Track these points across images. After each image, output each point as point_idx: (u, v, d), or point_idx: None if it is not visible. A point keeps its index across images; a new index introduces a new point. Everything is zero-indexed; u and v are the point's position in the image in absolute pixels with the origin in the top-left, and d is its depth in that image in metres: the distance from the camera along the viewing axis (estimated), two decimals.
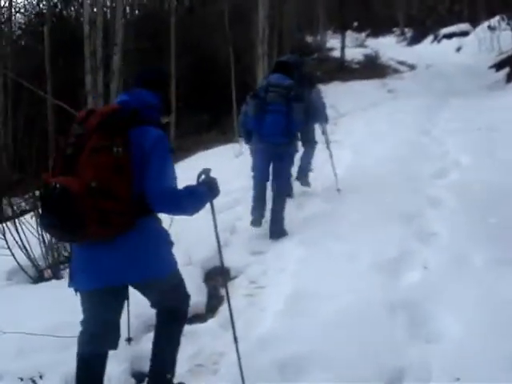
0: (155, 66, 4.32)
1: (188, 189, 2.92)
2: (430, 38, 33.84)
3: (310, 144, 7.64)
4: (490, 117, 10.64)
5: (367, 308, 3.96)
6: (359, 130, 11.80)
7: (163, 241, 2.98)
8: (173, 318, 3.17)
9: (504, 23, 21.29)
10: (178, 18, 18.03)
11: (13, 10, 18.96)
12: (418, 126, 11.08)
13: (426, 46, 33.13)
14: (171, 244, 3.03)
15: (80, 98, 13.63)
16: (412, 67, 25.38)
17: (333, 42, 34.51)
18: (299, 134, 6.99)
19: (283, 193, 6.15)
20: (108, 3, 18.39)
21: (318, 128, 7.95)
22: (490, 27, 22.93)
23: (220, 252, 3.44)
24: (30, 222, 5.54)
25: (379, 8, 42.74)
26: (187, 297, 3.23)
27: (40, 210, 2.81)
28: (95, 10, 14.16)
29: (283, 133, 5.79)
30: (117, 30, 14.32)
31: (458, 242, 4.93)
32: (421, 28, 35.93)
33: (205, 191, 3.01)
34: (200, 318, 4.40)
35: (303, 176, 7.69)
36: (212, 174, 3.11)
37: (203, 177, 3.09)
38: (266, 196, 6.29)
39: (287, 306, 4.07)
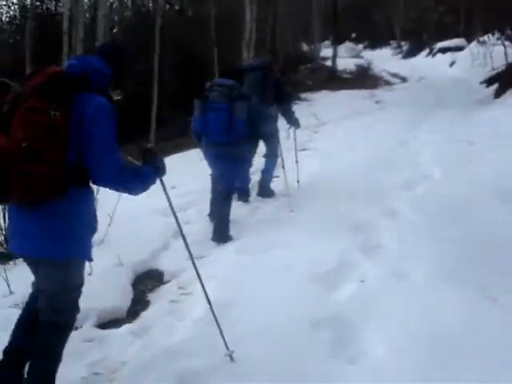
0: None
1: (135, 167, 2.87)
2: (426, 51, 33.84)
3: (271, 156, 7.40)
4: (473, 130, 10.42)
5: (291, 322, 3.68)
6: (336, 139, 11.58)
7: (85, 222, 2.82)
8: (55, 330, 2.86)
9: (494, 38, 21.17)
10: (167, 19, 17.86)
11: None
12: (397, 137, 10.82)
13: (421, 59, 33.07)
14: (93, 229, 2.90)
15: None
16: (404, 79, 25.32)
17: (328, 51, 34.39)
18: (264, 143, 7.23)
19: (226, 196, 5.98)
20: None
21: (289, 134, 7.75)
22: (479, 41, 22.84)
23: (182, 234, 3.57)
24: None
25: (378, 20, 42.57)
26: (75, 308, 2.95)
27: None
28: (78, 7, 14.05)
29: (225, 131, 5.64)
30: (99, 25, 14.10)
31: (402, 255, 4.64)
32: (417, 41, 35.92)
33: (151, 170, 2.92)
34: (117, 323, 4.10)
35: (265, 190, 7.41)
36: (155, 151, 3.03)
37: (147, 156, 2.98)
38: None
39: (206, 315, 3.76)
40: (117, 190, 2.85)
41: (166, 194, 3.22)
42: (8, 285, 4.40)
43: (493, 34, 21.23)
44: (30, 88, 2.60)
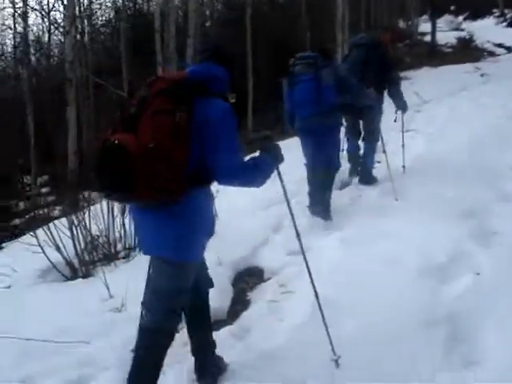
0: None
1: (254, 160, 2.89)
2: None
3: (369, 140, 7.10)
4: None
5: (401, 321, 3.40)
6: (441, 117, 10.98)
7: (203, 224, 2.86)
8: (153, 338, 2.85)
9: None
10: (257, 9, 17.76)
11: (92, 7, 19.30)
12: (507, 111, 10.08)
13: None
14: (210, 233, 2.94)
15: None
16: (510, 49, 23.79)
17: (426, 26, 33.07)
18: (362, 124, 7.04)
19: (328, 172, 5.88)
20: None
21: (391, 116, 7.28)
22: None
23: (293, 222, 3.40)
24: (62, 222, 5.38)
25: None
26: (179, 313, 2.93)
27: (95, 166, 2.71)
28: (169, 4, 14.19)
29: (315, 100, 5.49)
30: (190, 21, 14.17)
31: None
32: None
33: (269, 160, 2.96)
34: (217, 324, 3.94)
35: (366, 177, 7.11)
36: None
37: (265, 143, 3.02)
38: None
39: (309, 316, 3.56)
40: (240, 186, 2.93)
41: (282, 182, 3.23)
42: (108, 289, 4.39)
43: None
44: (154, 92, 2.68)
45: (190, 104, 2.67)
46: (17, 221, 11.57)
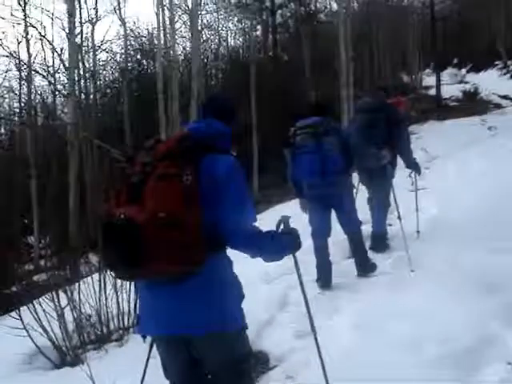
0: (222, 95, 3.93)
1: (270, 232, 2.69)
2: None
3: (380, 205, 6.81)
4: None
5: None
6: (451, 174, 10.65)
7: (234, 289, 2.68)
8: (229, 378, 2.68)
9: None
10: (261, 66, 17.75)
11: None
12: None
13: None
14: (242, 297, 2.71)
15: None
16: None
17: (430, 79, 33.26)
18: (372, 189, 6.87)
19: (357, 234, 5.83)
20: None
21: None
22: None
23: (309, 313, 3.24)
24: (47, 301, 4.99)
25: (478, 42, 40.75)
26: (249, 354, 2.78)
27: (102, 243, 2.58)
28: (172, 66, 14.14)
29: (322, 173, 5.35)
30: (192, 83, 14.09)
31: None
32: None
33: (287, 240, 2.78)
34: None
35: (379, 242, 6.74)
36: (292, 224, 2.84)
37: (282, 226, 2.83)
38: (330, 256, 5.78)
39: None
40: (252, 252, 2.67)
41: (298, 271, 3.14)
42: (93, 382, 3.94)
43: None
44: (158, 155, 2.51)
45: (195, 164, 2.49)
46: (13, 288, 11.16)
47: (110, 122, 18.18)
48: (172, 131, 13.09)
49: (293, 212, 5.49)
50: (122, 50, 18.13)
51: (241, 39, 24.03)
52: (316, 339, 3.13)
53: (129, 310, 5.25)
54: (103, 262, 2.91)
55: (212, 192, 2.49)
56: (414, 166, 6.89)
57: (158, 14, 14.21)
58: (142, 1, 40.30)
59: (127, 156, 2.66)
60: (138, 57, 19.17)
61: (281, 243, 2.72)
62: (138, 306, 2.79)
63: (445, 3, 34.11)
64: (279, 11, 23.02)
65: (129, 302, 5.19)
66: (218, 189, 2.50)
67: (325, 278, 5.65)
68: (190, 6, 15.56)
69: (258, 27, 24.25)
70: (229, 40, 26.53)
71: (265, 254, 2.68)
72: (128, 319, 5.25)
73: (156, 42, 14.91)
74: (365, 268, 5.80)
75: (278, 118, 16.85)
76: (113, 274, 3.03)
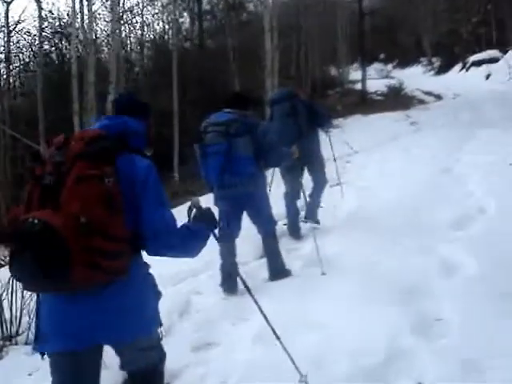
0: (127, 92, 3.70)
1: (187, 227, 2.60)
2: (459, 66, 32.79)
3: (318, 175, 6.97)
4: None
5: None
6: (372, 169, 10.55)
7: (153, 291, 2.61)
8: (148, 381, 2.75)
9: None
10: (185, 55, 17.20)
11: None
12: (438, 163, 9.75)
13: (454, 74, 32.02)
14: (159, 295, 2.66)
15: None
16: (438, 97, 24.33)
17: (357, 74, 33.63)
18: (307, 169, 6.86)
19: (272, 235, 5.50)
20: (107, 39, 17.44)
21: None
22: None
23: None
24: None
25: (405, 38, 41.54)
26: (164, 354, 2.83)
27: (11, 253, 2.26)
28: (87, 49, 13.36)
29: (231, 173, 5.01)
30: (111, 67, 13.39)
31: (471, 338, 3.43)
32: (448, 56, 34.77)
33: (203, 228, 2.70)
34: None
35: (312, 213, 6.93)
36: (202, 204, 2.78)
37: (194, 210, 2.76)
38: (236, 257, 5.36)
39: None
40: (173, 254, 2.61)
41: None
42: None
43: None
44: (71, 155, 2.33)
45: (113, 165, 2.36)
46: None
47: (24, 108, 17.22)
48: (87, 120, 12.35)
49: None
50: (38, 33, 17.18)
51: (166, 26, 23.27)
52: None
53: (10, 319, 4.71)
54: (12, 273, 2.32)
55: (130, 195, 2.38)
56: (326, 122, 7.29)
57: None
58: None
59: (35, 155, 2.45)
60: (56, 40, 18.17)
61: (200, 235, 2.65)
62: (38, 319, 2.50)
63: None
64: None
65: (11, 309, 4.70)
66: (136, 192, 2.40)
67: (229, 283, 5.25)
68: None
69: (185, 14, 23.68)
70: (154, 26, 25.89)
71: (189, 251, 2.62)
72: (10, 328, 4.69)
73: (70, 22, 14.06)
74: (277, 274, 5.42)
75: (201, 107, 16.37)
76: (22, 286, 2.72)
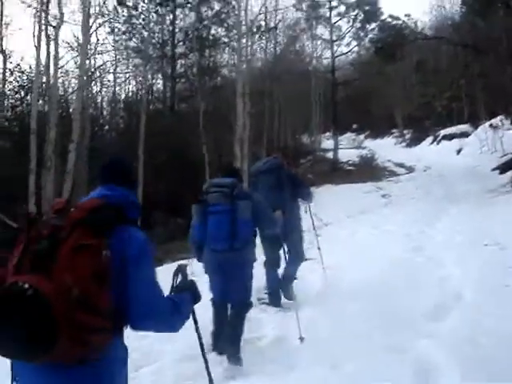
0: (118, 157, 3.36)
1: (173, 299, 2.51)
2: (430, 139, 33.16)
3: (296, 258, 6.93)
4: (497, 228, 9.03)
5: None
6: (341, 245, 9.94)
7: (125, 374, 2.44)
8: None
9: (508, 122, 20.28)
10: (153, 117, 16.80)
11: None
12: (411, 240, 9.35)
13: (426, 147, 32.23)
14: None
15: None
16: (410, 169, 24.30)
17: (329, 143, 33.79)
18: (284, 242, 6.62)
19: (240, 314, 5.27)
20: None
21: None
22: (492, 126, 21.87)
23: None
24: None
25: (378, 109, 42.10)
26: None
27: None
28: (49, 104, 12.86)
29: (231, 236, 5.03)
30: (74, 125, 12.86)
31: None
32: (420, 129, 35.23)
33: (189, 299, 2.64)
34: None
35: (286, 288, 6.76)
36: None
37: (180, 276, 2.73)
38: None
39: None
40: (157, 329, 2.53)
41: (197, 326, 2.94)
42: None
43: (506, 118, 20.26)
44: (71, 221, 2.24)
45: (110, 236, 2.26)
46: None
47: None
48: (45, 179, 11.69)
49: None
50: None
51: (137, 86, 23.02)
52: None
53: None
54: None
55: (119, 270, 2.25)
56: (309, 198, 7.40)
57: (36, 47, 12.94)
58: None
59: (31, 218, 2.31)
60: (21, 94, 17.57)
61: (186, 307, 2.58)
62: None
63: (346, 69, 34.95)
64: (180, 61, 22.37)
65: None
66: (127, 268, 2.29)
67: (221, 346, 5.21)
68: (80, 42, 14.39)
69: (159, 75, 23.47)
70: (127, 85, 25.65)
71: (173, 325, 2.52)
72: None
73: (33, 76, 13.53)
74: (231, 357, 5.08)
75: (166, 172, 15.88)
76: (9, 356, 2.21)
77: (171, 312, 2.45)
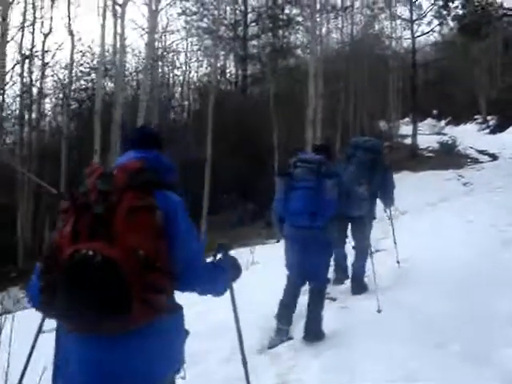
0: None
1: (214, 264, 2.58)
2: None
3: (362, 253, 6.67)
4: None
5: None
6: (417, 237, 8.97)
7: (184, 332, 2.41)
8: None
9: None
10: (223, 98, 16.35)
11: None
12: (498, 233, 8.31)
13: (511, 134, 30.28)
14: (187, 334, 2.43)
15: None
16: (494, 157, 22.71)
17: (407, 129, 32.54)
18: (352, 233, 6.78)
19: (321, 291, 5.29)
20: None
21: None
22: None
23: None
24: None
25: (459, 94, 40.16)
26: None
27: (47, 285, 2.07)
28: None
29: (314, 213, 4.98)
30: (140, 106, 12.52)
31: None
32: (505, 115, 33.20)
33: (227, 269, 2.60)
34: None
35: (357, 284, 6.70)
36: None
37: (221, 254, 2.68)
38: (297, 302, 5.35)
39: None
40: (204, 287, 2.48)
41: (234, 302, 2.86)
42: None
43: None
44: (119, 184, 2.20)
45: (154, 197, 2.23)
46: None
47: (50, 145, 16.70)
48: (111, 159, 11.45)
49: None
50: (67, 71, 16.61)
51: (209, 68, 22.60)
52: None
53: None
54: (59, 309, 2.03)
55: (167, 230, 2.23)
56: (391, 202, 7.10)
57: (102, 26, 12.70)
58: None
59: (72, 182, 2.02)
60: (91, 76, 17.51)
61: (225, 275, 2.57)
62: (58, 357, 2.33)
63: (425, 52, 33.43)
64: (252, 42, 21.86)
65: None
66: (169, 226, 2.25)
67: (286, 318, 5.27)
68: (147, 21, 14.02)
69: (231, 57, 23.04)
70: (198, 68, 25.36)
71: (216, 286, 2.53)
72: None
73: (98, 55, 13.33)
74: (313, 334, 5.16)
75: (235, 156, 15.37)
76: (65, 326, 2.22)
77: (211, 269, 2.49)
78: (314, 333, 5.14)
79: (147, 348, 2.21)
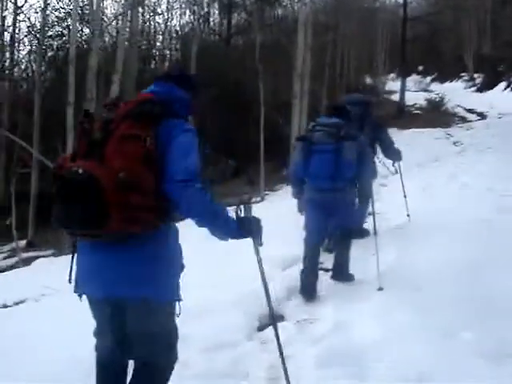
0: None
1: (224, 209, 2.64)
2: (503, 84, 30.59)
3: (365, 199, 6.40)
4: None
5: None
6: (411, 200, 8.51)
7: (177, 259, 2.66)
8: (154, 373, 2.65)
9: None
10: (205, 48, 15.60)
11: None
12: (493, 197, 7.86)
13: (498, 93, 29.79)
14: (182, 268, 2.70)
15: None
16: (482, 116, 22.31)
17: (393, 84, 31.93)
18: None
19: (346, 236, 5.56)
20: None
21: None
22: None
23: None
24: None
25: (447, 49, 39.49)
26: (174, 358, 2.73)
27: (56, 198, 2.41)
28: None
29: (334, 175, 5.08)
30: (118, 54, 11.77)
31: None
32: (492, 73, 32.65)
33: (247, 222, 2.71)
34: None
35: (357, 232, 6.56)
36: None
37: (243, 211, 2.73)
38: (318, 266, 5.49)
39: None
40: (202, 220, 2.56)
41: (259, 259, 2.91)
42: None
43: None
44: (120, 114, 2.51)
45: (156, 127, 2.47)
46: None
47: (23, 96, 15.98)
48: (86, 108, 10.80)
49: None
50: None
51: (192, 17, 21.65)
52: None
53: None
54: (54, 217, 2.35)
55: (166, 153, 2.44)
56: (397, 155, 7.34)
57: None
58: None
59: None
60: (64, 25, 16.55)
61: (230, 223, 2.61)
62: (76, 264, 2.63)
63: (413, 8, 32.57)
64: None
65: None
66: (172, 149, 2.45)
67: (309, 290, 5.25)
68: None
69: (215, 5, 22.11)
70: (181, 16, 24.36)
71: (217, 221, 2.56)
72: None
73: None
74: (340, 275, 5.60)
75: (217, 109, 14.73)
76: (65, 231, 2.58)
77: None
78: (341, 274, 5.56)
79: (146, 253, 2.48)
